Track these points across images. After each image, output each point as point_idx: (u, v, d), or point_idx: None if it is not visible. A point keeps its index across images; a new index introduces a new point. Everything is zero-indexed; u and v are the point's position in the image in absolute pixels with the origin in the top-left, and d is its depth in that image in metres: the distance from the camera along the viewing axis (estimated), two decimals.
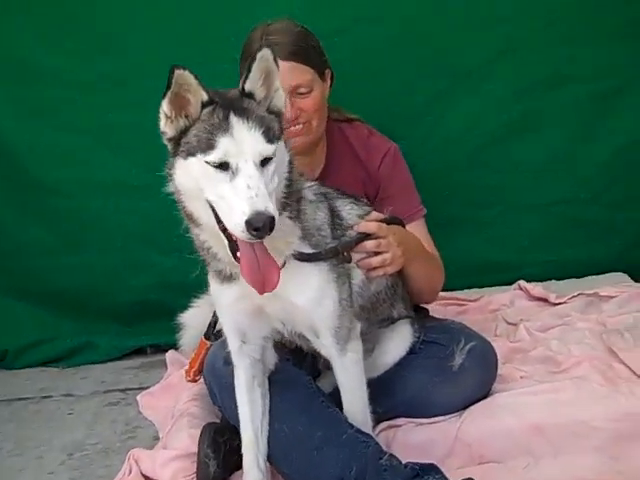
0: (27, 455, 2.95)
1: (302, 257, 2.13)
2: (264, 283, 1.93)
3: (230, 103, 1.95)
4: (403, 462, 2.15)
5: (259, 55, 1.96)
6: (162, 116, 1.99)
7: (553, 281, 3.68)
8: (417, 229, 2.75)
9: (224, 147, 1.88)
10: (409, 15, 3.56)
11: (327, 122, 2.81)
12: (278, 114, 2.04)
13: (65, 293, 3.94)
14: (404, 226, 2.59)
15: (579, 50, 3.64)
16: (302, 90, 2.64)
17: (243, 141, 1.88)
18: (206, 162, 1.89)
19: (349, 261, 2.25)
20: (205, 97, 1.95)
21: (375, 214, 2.45)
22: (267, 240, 1.90)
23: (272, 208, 1.80)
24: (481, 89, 3.68)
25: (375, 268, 2.37)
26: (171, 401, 3.11)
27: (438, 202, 3.19)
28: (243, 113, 1.92)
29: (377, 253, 2.37)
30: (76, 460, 2.87)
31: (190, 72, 1.93)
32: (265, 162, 1.89)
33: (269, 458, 2.30)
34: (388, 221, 2.45)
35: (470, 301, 3.58)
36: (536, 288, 3.53)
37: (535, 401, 2.49)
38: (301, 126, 2.67)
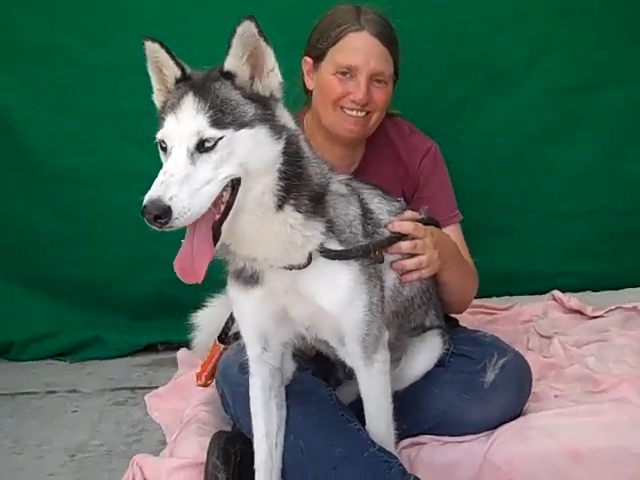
0: (27, 454, 2.84)
1: (329, 254, 1.95)
2: (193, 270, 1.77)
3: (200, 82, 1.81)
4: None
5: (239, 30, 1.76)
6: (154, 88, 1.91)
7: (589, 292, 3.53)
8: (453, 234, 2.59)
9: (166, 127, 1.77)
10: (443, 11, 3.45)
11: None
12: (267, 98, 1.85)
13: (76, 285, 3.84)
14: (440, 227, 2.42)
15: (618, 52, 3.52)
16: (380, 78, 2.52)
17: (183, 122, 1.74)
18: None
19: (381, 261, 2.06)
20: (178, 73, 1.85)
21: (410, 213, 2.28)
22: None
23: (173, 196, 1.64)
24: (516, 90, 3.56)
25: (410, 271, 2.20)
26: (180, 403, 2.97)
27: (469, 205, 3.04)
28: (201, 93, 1.77)
29: (412, 255, 2.19)
30: (78, 462, 2.75)
31: (162, 46, 1.84)
32: (208, 148, 1.72)
33: (283, 474, 2.13)
34: (424, 221, 2.28)
35: (500, 310, 3.41)
36: (572, 299, 3.37)
37: (572, 424, 2.31)
38: (363, 114, 2.53)
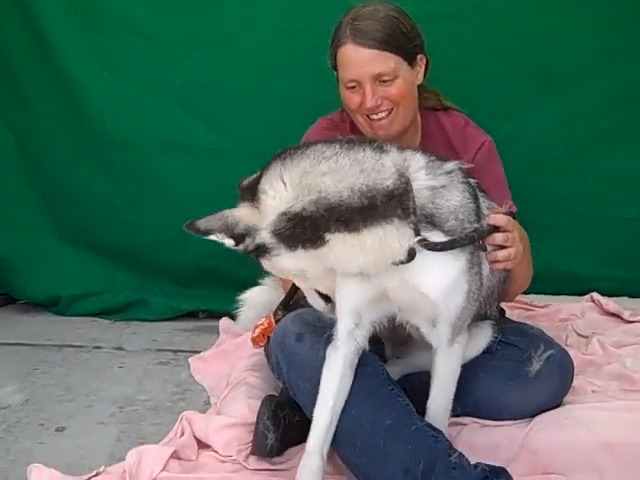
0: (77, 402, 2.93)
1: (435, 247, 1.96)
2: None
3: None
4: (472, 462, 2.08)
5: None
6: None
7: (625, 298, 3.58)
8: None
9: None
10: (506, 11, 3.50)
11: (423, 110, 2.74)
12: None
13: (124, 247, 3.95)
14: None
15: None
16: (385, 78, 2.52)
17: None
18: None
19: (484, 249, 2.10)
20: None
21: (500, 208, 2.31)
22: None
23: None
24: (573, 95, 3.58)
25: (498, 262, 2.23)
26: (224, 368, 3.09)
27: (515, 203, 3.11)
28: None
29: (501, 247, 2.22)
30: (126, 414, 2.83)
31: None
32: None
33: (332, 442, 2.17)
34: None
35: (538, 307, 3.48)
36: (610, 303, 3.44)
37: (609, 417, 2.39)
38: (385, 114, 2.55)
